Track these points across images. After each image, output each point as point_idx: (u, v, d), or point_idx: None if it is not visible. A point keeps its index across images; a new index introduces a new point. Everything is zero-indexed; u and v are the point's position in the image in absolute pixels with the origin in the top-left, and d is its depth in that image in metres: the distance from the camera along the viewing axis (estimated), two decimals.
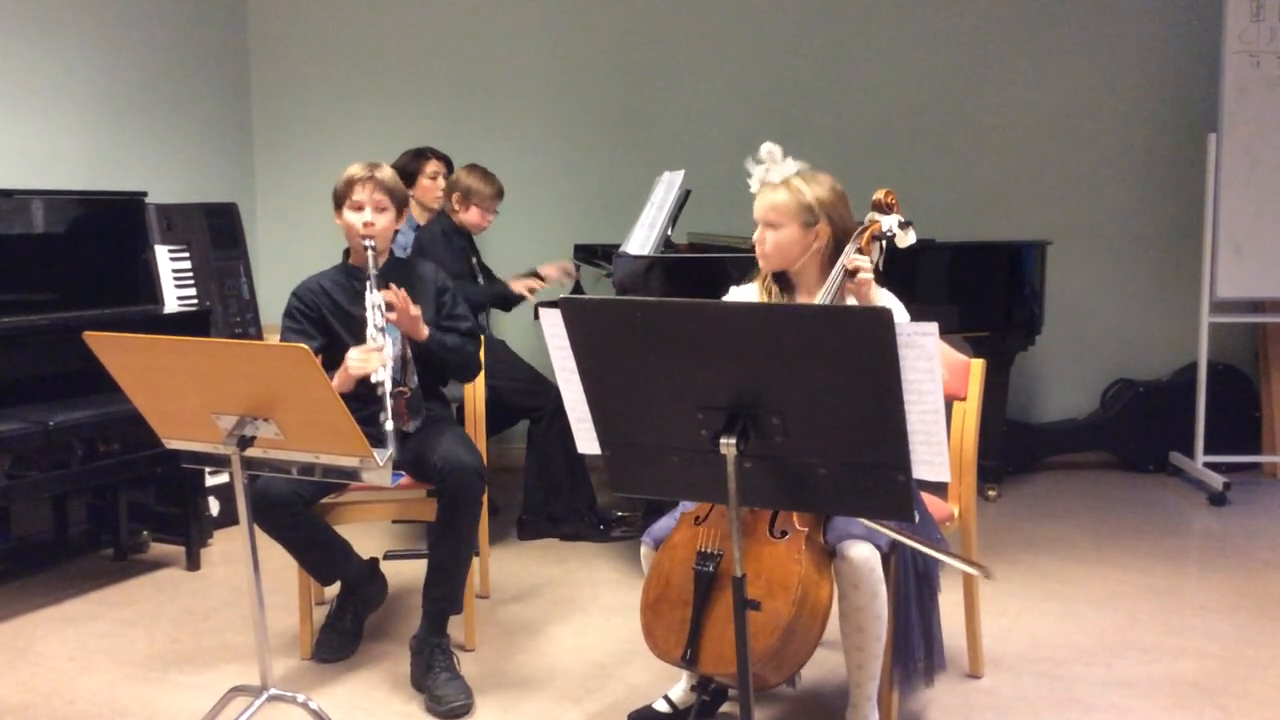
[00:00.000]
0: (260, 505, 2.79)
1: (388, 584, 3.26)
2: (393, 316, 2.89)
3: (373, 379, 2.80)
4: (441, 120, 5.30)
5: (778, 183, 2.53)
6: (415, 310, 2.92)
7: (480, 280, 4.41)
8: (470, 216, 4.30)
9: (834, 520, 2.36)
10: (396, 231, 3.12)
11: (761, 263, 2.59)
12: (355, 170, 3.01)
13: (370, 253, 2.95)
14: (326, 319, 3.05)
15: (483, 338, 3.27)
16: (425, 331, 2.97)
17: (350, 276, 3.05)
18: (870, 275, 2.45)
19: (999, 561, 3.86)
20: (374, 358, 2.82)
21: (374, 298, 2.89)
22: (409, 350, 3.04)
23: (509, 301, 4.40)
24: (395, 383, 2.99)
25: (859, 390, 1.75)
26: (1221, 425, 4.97)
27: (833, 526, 2.35)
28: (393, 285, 2.91)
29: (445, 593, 2.92)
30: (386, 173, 3.03)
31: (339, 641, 3.10)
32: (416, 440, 2.98)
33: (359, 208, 2.98)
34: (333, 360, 2.98)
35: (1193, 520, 4.49)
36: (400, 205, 3.06)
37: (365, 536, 4.04)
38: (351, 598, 3.14)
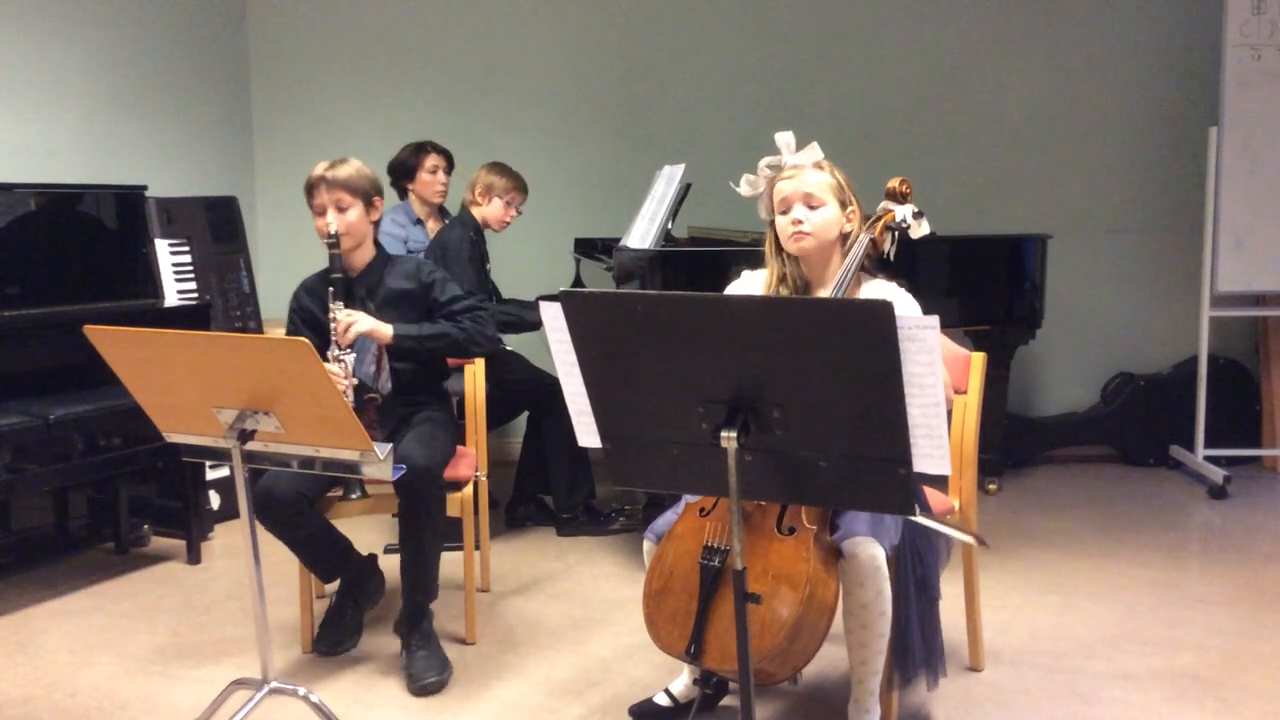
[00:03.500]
0: (264, 504, 2.80)
1: (385, 579, 3.26)
2: (343, 327, 2.91)
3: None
4: (442, 114, 5.29)
5: (810, 163, 2.48)
6: (356, 330, 2.92)
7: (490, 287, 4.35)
8: (492, 211, 4.20)
9: (841, 518, 2.36)
10: (375, 223, 3.10)
11: (797, 245, 2.47)
12: (313, 170, 3.02)
13: (334, 254, 2.96)
14: (318, 321, 3.06)
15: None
16: (388, 334, 2.98)
17: (324, 281, 3.03)
18: None
19: (999, 555, 3.86)
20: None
21: (334, 307, 2.92)
22: (384, 355, 3.04)
23: (533, 326, 4.18)
24: (365, 389, 3.00)
25: (860, 383, 1.74)
26: (1222, 419, 4.97)
27: (839, 525, 2.35)
28: (340, 304, 2.93)
29: (417, 587, 2.95)
30: (344, 169, 3.01)
31: (339, 635, 3.11)
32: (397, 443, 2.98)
33: (320, 211, 3.00)
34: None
35: (1193, 514, 4.49)
36: (369, 195, 3.04)
37: (365, 530, 4.04)
38: (351, 592, 3.15)
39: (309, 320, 3.10)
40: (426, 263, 3.25)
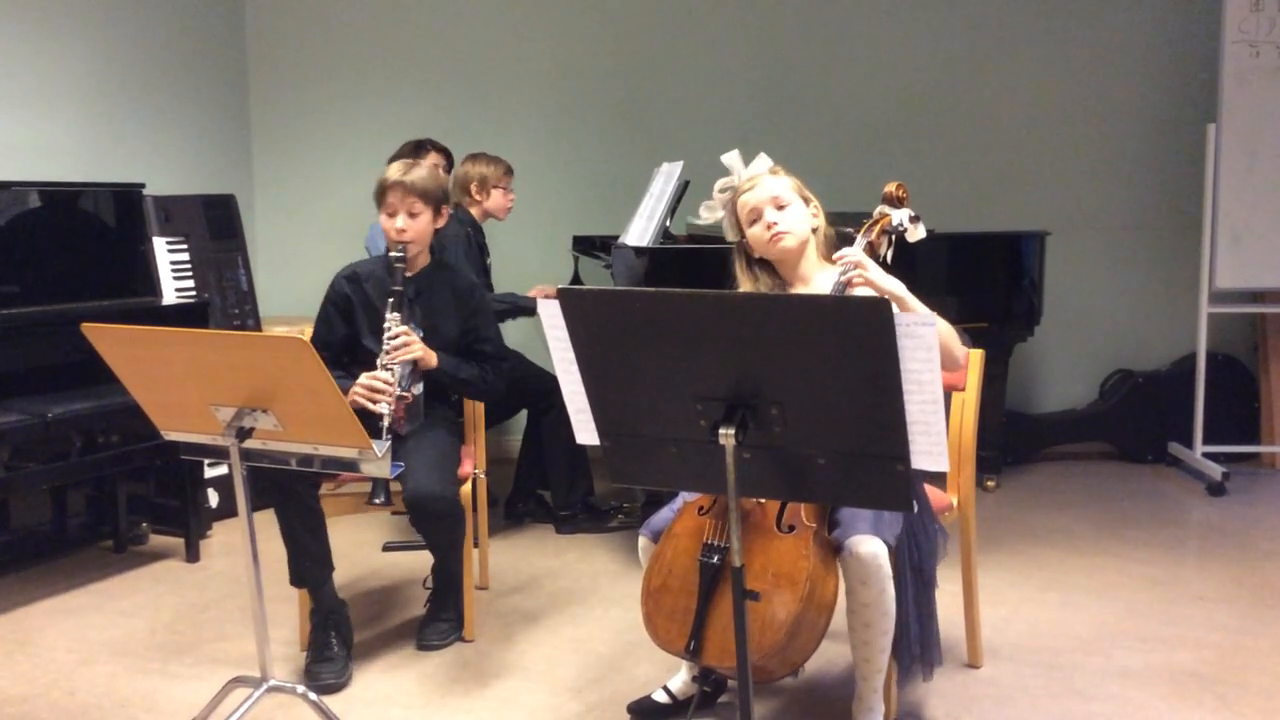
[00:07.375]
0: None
1: (351, 628, 3.11)
2: (397, 345, 2.94)
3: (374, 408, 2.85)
4: (440, 111, 5.29)
5: (766, 172, 2.55)
6: (408, 356, 2.96)
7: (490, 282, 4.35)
8: (494, 202, 4.25)
9: (840, 515, 2.36)
10: (437, 230, 3.16)
11: (779, 246, 2.50)
12: (389, 173, 3.08)
13: (399, 266, 3.00)
14: (354, 311, 3.13)
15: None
16: (434, 361, 3.03)
17: (389, 272, 3.07)
18: (863, 275, 2.41)
19: (998, 552, 3.86)
20: (381, 399, 2.86)
21: (390, 319, 2.95)
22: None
23: (529, 313, 4.26)
24: (400, 387, 2.99)
25: (858, 381, 1.75)
26: (1220, 416, 4.97)
27: (839, 522, 2.35)
28: (402, 320, 2.96)
29: (444, 578, 3.20)
30: (419, 174, 3.08)
31: (335, 667, 2.91)
32: (406, 446, 2.97)
33: (392, 212, 3.05)
34: (356, 350, 3.12)
35: (1191, 510, 4.50)
36: (439, 204, 3.12)
37: (365, 529, 4.04)
38: (329, 620, 2.99)
39: (345, 310, 3.14)
40: (479, 288, 3.27)
